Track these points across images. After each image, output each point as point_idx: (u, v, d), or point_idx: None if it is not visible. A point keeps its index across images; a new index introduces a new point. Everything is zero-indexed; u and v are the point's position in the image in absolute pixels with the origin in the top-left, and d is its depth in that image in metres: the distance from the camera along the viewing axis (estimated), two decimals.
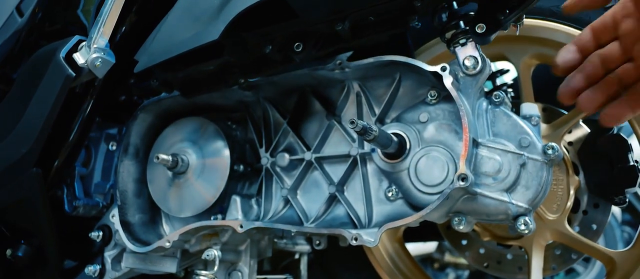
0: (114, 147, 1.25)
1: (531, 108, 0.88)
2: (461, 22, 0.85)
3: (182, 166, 1.05)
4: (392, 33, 0.86)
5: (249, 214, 1.02)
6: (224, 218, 1.01)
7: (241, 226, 0.94)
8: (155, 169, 1.12)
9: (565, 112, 1.14)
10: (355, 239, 0.84)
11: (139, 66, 1.00)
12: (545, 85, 1.29)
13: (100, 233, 1.12)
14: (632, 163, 1.06)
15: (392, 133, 0.87)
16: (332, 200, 0.96)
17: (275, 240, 1.28)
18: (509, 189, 0.81)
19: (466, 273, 3.06)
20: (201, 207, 1.05)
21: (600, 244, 1.09)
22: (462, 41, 0.85)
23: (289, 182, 1.02)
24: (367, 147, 0.93)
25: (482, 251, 1.35)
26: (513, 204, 0.81)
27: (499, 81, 1.41)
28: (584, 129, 1.16)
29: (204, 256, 1.00)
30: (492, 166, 0.81)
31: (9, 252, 1.12)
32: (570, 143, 1.16)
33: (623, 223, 3.38)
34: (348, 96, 1.00)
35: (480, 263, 1.36)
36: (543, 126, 1.11)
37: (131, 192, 1.14)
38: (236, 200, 1.00)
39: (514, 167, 0.81)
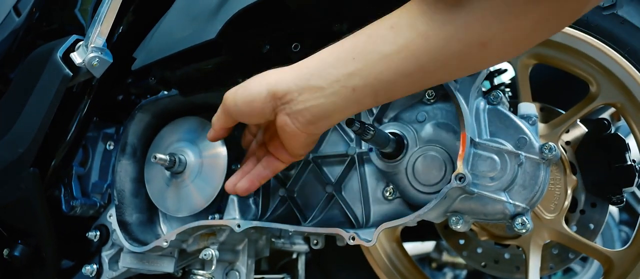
0: (112, 147, 1.25)
1: (529, 108, 0.88)
2: None
3: (180, 166, 1.05)
4: None
5: (246, 213, 1.02)
6: (221, 218, 1.01)
7: (239, 226, 0.94)
8: (152, 169, 1.12)
9: (563, 112, 1.14)
10: (353, 238, 0.84)
11: (137, 64, 1.00)
12: (543, 85, 1.30)
13: (98, 233, 1.12)
14: (629, 162, 1.07)
15: (390, 133, 0.87)
16: (329, 200, 0.96)
17: (273, 240, 1.28)
18: (507, 189, 0.81)
19: (464, 273, 3.07)
20: (199, 207, 1.04)
21: (597, 244, 1.10)
22: None
23: (286, 181, 1.02)
24: (365, 146, 0.93)
25: (479, 250, 1.36)
26: (510, 203, 0.81)
27: (496, 81, 1.41)
28: (581, 129, 1.16)
29: (201, 255, 1.00)
30: (490, 165, 0.81)
31: (6, 252, 1.11)
32: (567, 142, 1.16)
33: (620, 222, 3.39)
34: None
35: (478, 263, 1.36)
36: (541, 126, 1.11)
37: (129, 191, 1.14)
38: (234, 200, 1.00)
39: (512, 166, 0.81)
